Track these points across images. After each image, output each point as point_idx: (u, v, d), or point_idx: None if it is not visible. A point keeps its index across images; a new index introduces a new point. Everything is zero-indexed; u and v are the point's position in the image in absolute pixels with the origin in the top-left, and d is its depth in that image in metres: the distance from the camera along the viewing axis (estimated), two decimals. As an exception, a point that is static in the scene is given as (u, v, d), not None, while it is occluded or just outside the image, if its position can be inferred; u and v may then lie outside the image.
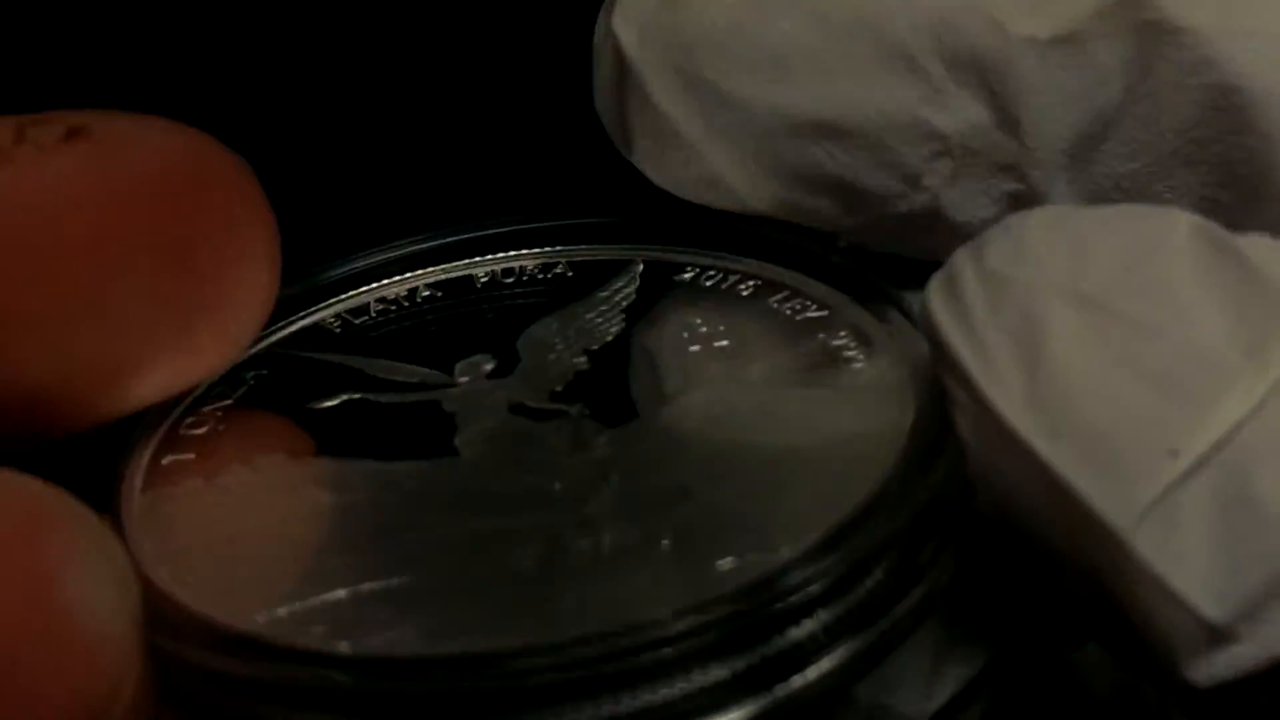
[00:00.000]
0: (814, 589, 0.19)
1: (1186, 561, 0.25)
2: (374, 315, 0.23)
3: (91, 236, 0.22)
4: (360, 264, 0.24)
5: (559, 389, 0.21)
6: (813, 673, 0.19)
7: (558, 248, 0.24)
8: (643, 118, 0.25)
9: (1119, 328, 0.25)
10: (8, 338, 0.21)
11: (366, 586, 0.18)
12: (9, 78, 0.31)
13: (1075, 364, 0.26)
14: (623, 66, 0.25)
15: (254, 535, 0.21)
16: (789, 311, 0.23)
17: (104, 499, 0.21)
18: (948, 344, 0.26)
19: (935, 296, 0.26)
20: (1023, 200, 0.28)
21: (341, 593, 0.18)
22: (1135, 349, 0.25)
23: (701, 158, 0.25)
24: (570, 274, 0.24)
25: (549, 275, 0.24)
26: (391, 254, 0.24)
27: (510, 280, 0.24)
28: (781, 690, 0.18)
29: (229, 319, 0.22)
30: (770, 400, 0.23)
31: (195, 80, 0.32)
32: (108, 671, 0.22)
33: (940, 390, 0.25)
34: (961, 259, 0.26)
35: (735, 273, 0.23)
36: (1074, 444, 0.25)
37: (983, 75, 0.26)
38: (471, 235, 0.24)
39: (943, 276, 0.26)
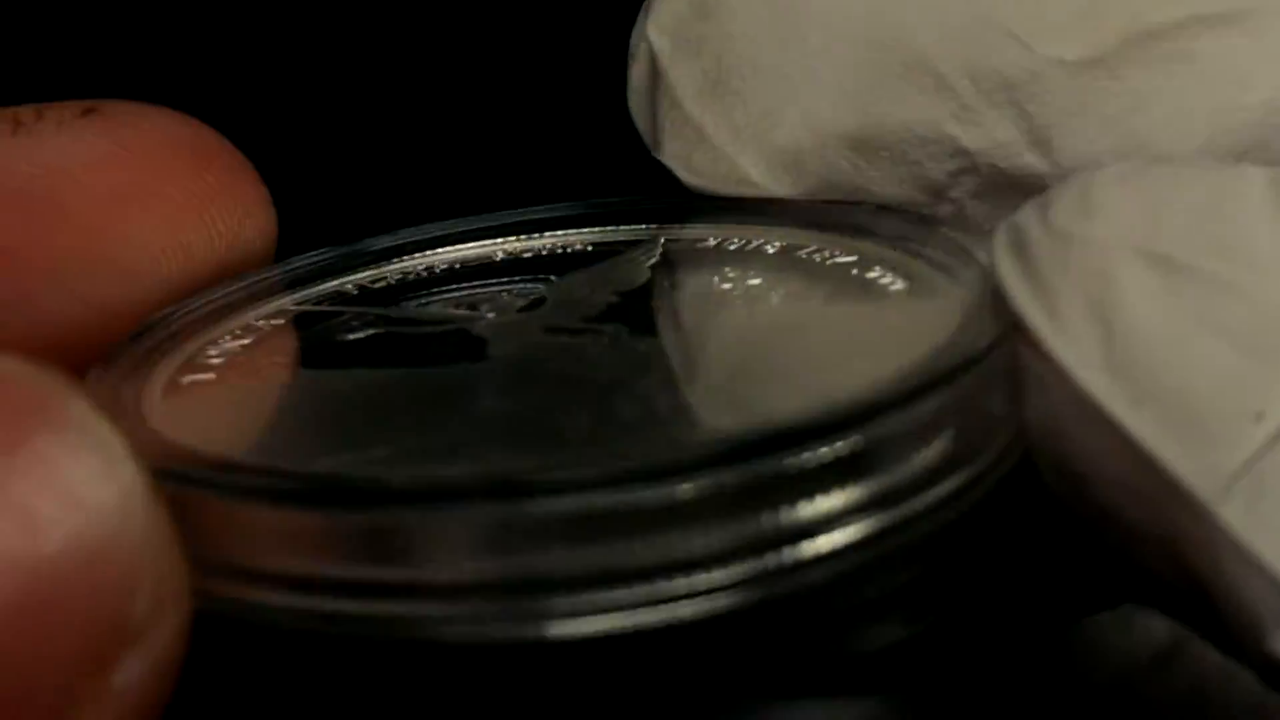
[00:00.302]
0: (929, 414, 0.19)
1: (1273, 530, 0.24)
2: (392, 282, 0.23)
3: (110, 193, 0.24)
4: (375, 245, 0.24)
5: (592, 315, 0.21)
6: (932, 496, 0.19)
7: (579, 230, 0.24)
8: (672, 121, 0.25)
9: (1196, 286, 0.25)
10: (34, 286, 0.23)
11: (411, 442, 0.18)
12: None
13: (1152, 325, 0.25)
14: (655, 71, 0.25)
15: (287, 414, 0.20)
16: (819, 259, 0.23)
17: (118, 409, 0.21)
18: (1016, 303, 0.25)
19: (1002, 254, 0.25)
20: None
21: (384, 450, 0.17)
22: (1214, 309, 0.25)
23: (730, 160, 0.25)
24: (590, 249, 0.24)
25: (568, 251, 0.24)
26: (409, 237, 0.24)
27: (529, 255, 0.24)
28: (907, 509, 0.19)
29: (233, 271, 0.24)
30: (806, 312, 0.23)
31: (207, 76, 0.32)
32: (119, 568, 0.21)
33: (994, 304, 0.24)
34: (1027, 217, 0.25)
35: (760, 239, 0.23)
36: (1154, 409, 0.24)
37: (1012, 94, 0.26)
38: (490, 221, 0.24)
39: (1009, 234, 0.25)
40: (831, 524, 0.17)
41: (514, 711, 0.17)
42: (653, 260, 0.23)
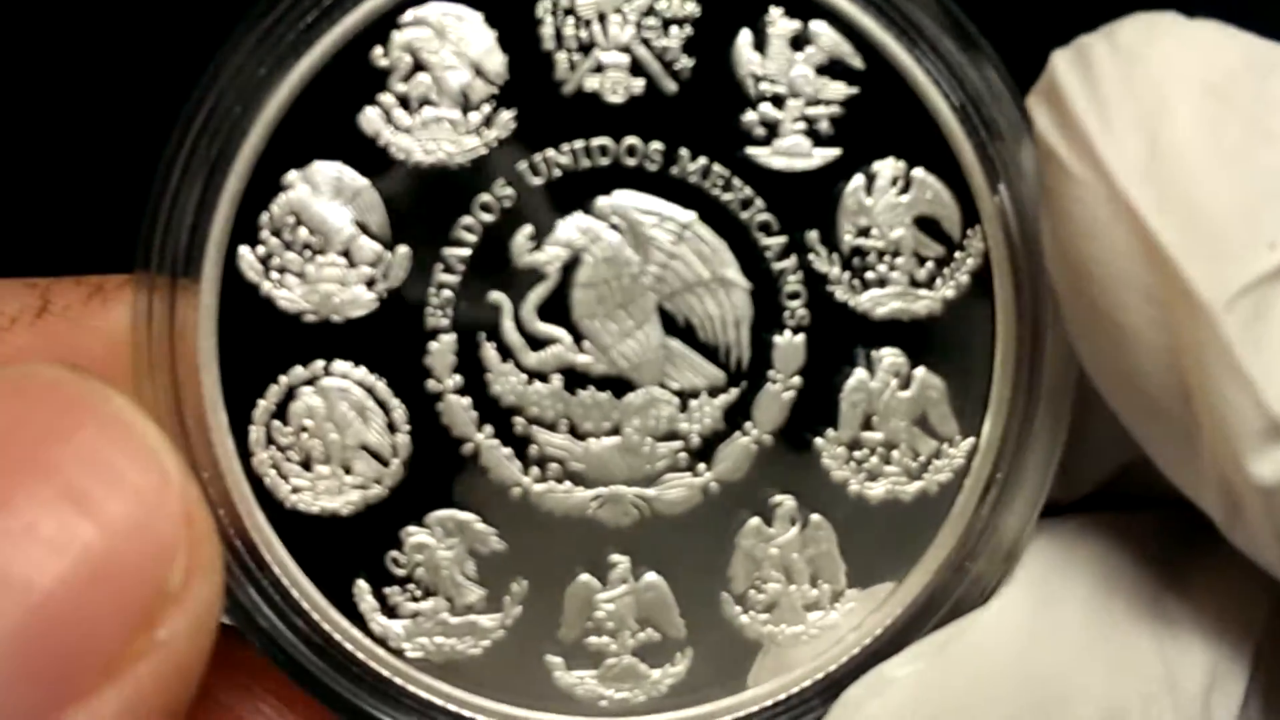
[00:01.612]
0: None
1: (1265, 352, 0.25)
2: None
3: None
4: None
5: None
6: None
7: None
8: None
9: (1240, 124, 0.26)
10: None
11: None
12: None
13: (1194, 146, 0.26)
14: None
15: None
16: None
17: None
18: (1070, 106, 0.26)
19: (1061, 65, 0.26)
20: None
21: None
22: (1252, 147, 0.26)
23: None
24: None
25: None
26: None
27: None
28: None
29: None
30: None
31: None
32: (160, 538, 0.24)
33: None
34: (1093, 36, 0.27)
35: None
36: (1180, 217, 0.26)
37: None
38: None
39: (1071, 50, 0.27)
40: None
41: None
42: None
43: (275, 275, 0.30)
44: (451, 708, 0.31)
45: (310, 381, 0.30)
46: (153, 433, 0.26)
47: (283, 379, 0.30)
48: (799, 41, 0.31)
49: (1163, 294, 0.26)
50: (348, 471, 0.30)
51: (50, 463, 0.25)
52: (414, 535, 0.31)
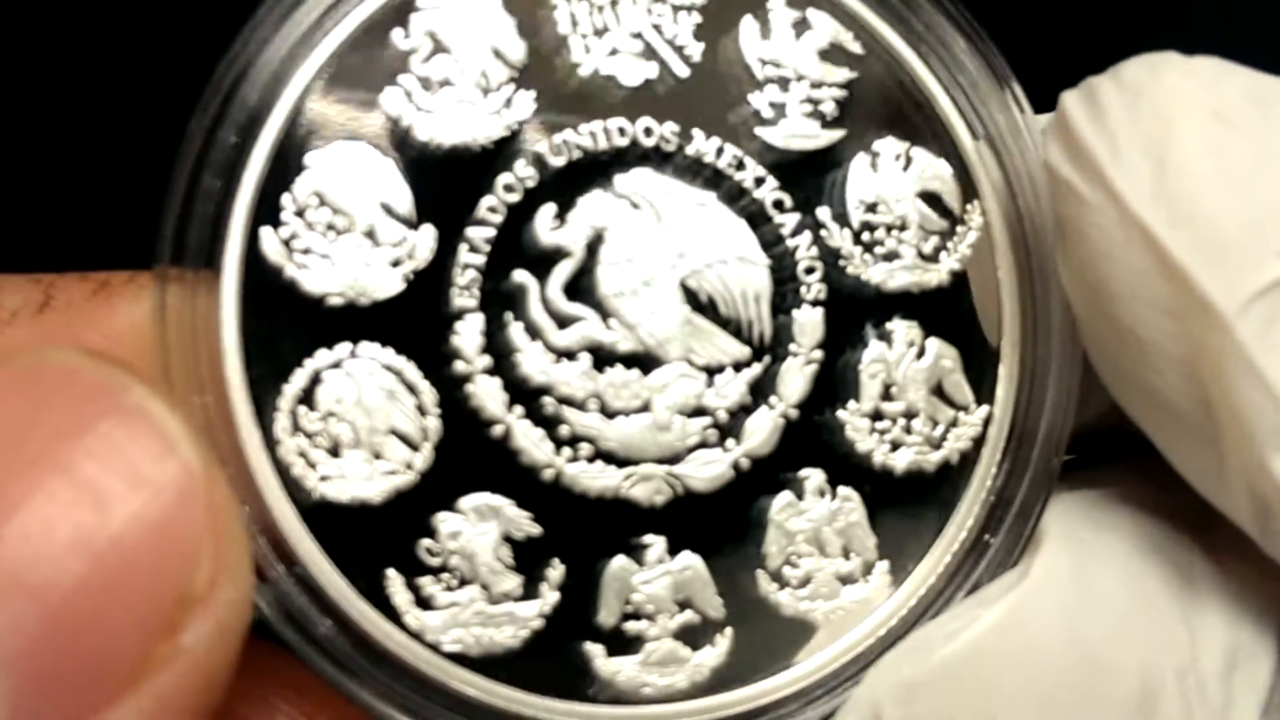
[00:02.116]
0: None
1: None
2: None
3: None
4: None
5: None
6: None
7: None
8: None
9: (1244, 144, 0.28)
10: None
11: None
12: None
13: (1201, 166, 0.28)
14: None
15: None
16: None
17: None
18: (1080, 139, 0.28)
19: (1070, 102, 0.28)
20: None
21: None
22: (1257, 167, 0.28)
23: None
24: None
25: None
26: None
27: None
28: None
29: None
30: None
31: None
32: (182, 539, 0.22)
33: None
34: (1099, 78, 0.29)
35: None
36: (1191, 231, 0.27)
37: None
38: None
39: (1079, 90, 0.28)
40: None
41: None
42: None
43: (299, 257, 0.29)
44: (493, 702, 0.30)
45: (336, 365, 0.30)
46: (175, 424, 0.25)
47: (308, 363, 0.29)
48: (800, 28, 0.32)
49: (1179, 306, 0.27)
50: (377, 457, 0.30)
51: (68, 459, 0.24)
52: (447, 522, 0.30)
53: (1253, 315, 0.26)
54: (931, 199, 0.32)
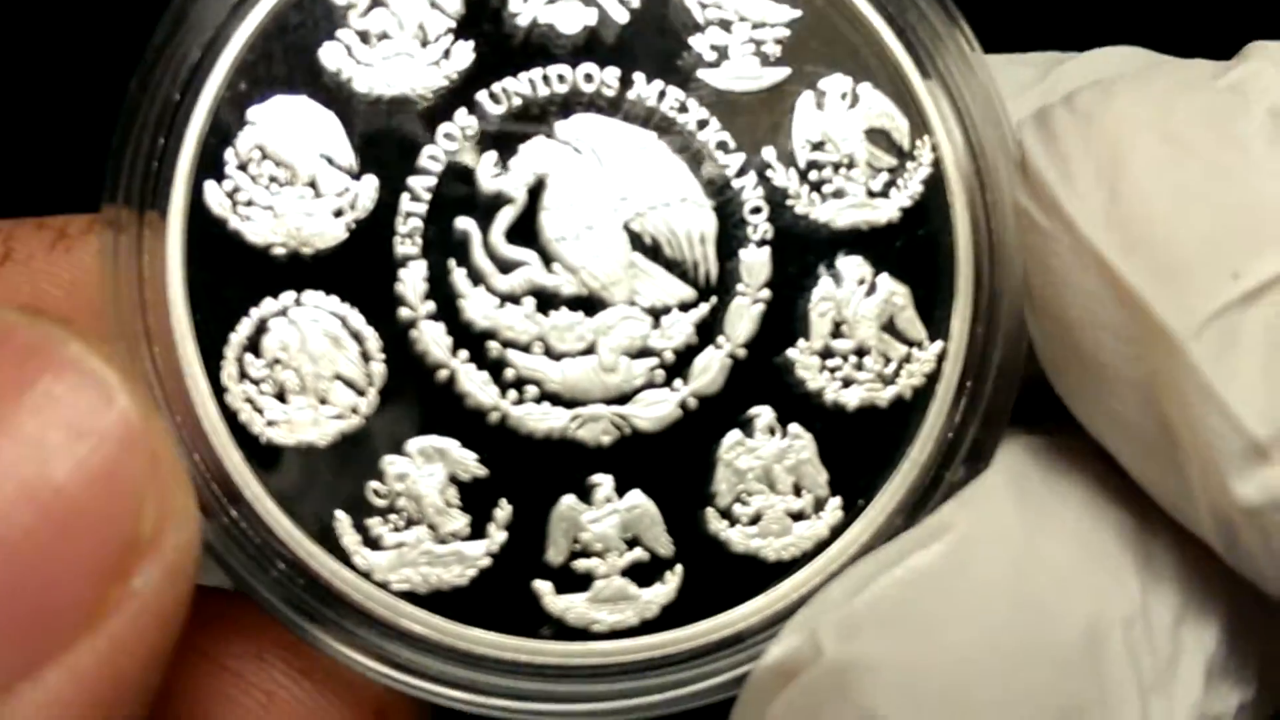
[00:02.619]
0: None
1: (1238, 378, 0.27)
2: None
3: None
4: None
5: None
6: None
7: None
8: None
9: (1198, 165, 0.28)
10: None
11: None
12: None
13: (1153, 190, 0.28)
14: None
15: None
16: None
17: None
18: (1035, 168, 0.28)
19: (1027, 130, 0.28)
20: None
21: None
22: (1211, 187, 0.28)
23: None
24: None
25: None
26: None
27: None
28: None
29: None
30: None
31: None
32: (126, 486, 0.23)
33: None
34: (1053, 104, 0.29)
35: None
36: (1144, 257, 0.27)
37: None
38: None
39: (1036, 117, 0.29)
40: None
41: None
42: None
43: (242, 209, 0.30)
44: (441, 639, 0.30)
45: (282, 313, 0.30)
46: (113, 376, 0.26)
47: (254, 312, 0.30)
48: (740, -32, 0.32)
49: (1135, 332, 0.27)
50: (323, 402, 0.30)
51: (8, 415, 0.25)
52: (393, 464, 0.30)
53: (1208, 339, 0.27)
54: (879, 136, 0.32)
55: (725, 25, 0.32)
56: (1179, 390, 0.27)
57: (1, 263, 0.30)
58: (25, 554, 0.24)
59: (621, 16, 0.31)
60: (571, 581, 0.31)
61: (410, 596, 0.30)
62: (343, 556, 0.30)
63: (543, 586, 0.31)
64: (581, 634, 0.31)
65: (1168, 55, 0.34)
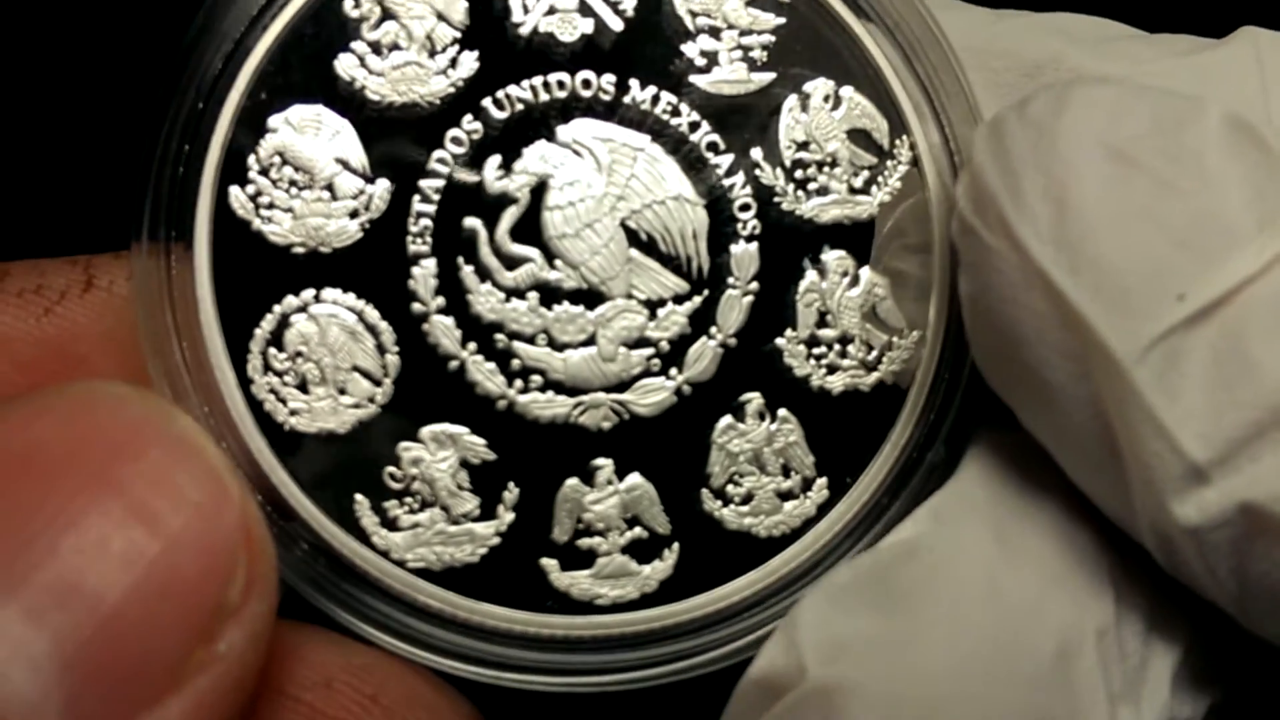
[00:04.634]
0: None
1: (1179, 401, 0.26)
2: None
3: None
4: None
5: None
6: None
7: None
8: None
9: (1145, 182, 0.27)
10: None
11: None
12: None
13: (1102, 210, 0.27)
14: None
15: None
16: None
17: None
18: (984, 181, 0.28)
19: (979, 140, 0.28)
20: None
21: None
22: (1158, 204, 0.27)
23: None
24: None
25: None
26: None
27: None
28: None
29: None
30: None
31: None
32: (220, 555, 0.25)
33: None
34: (1006, 110, 0.28)
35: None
36: (1090, 278, 0.27)
37: None
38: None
39: (990, 124, 0.29)
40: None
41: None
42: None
43: (264, 212, 0.32)
44: (454, 612, 0.32)
45: (302, 309, 0.32)
46: (214, 453, 0.28)
47: (276, 308, 0.32)
48: (729, -22, 0.34)
49: (1080, 351, 0.27)
50: (342, 392, 0.32)
51: (121, 481, 0.26)
52: (409, 450, 0.32)
53: (1151, 362, 0.26)
54: (861, 136, 0.34)
55: (715, 33, 0.34)
56: (1122, 411, 0.27)
57: (86, 290, 0.32)
58: (124, 614, 0.25)
59: (617, 25, 0.33)
60: (576, 559, 0.33)
61: (425, 573, 0.32)
62: (362, 537, 0.32)
63: (549, 564, 0.33)
64: (586, 607, 0.33)
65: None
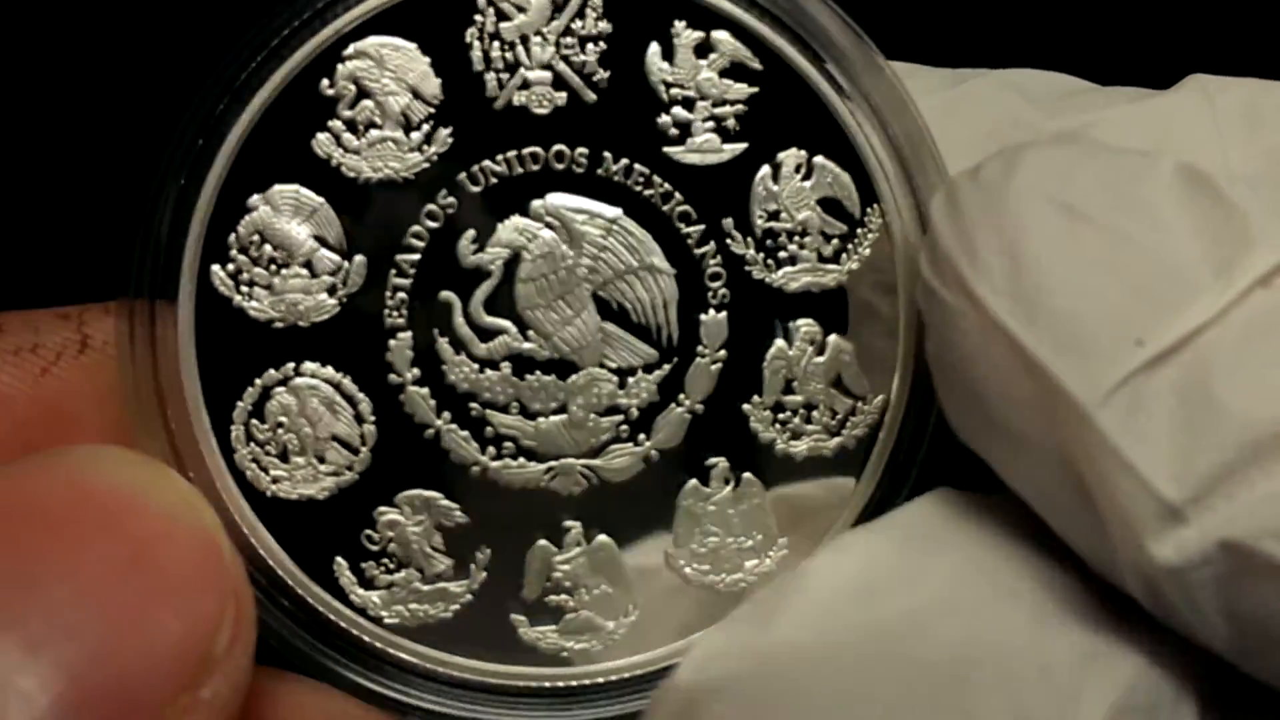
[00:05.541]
0: None
1: (1147, 442, 0.27)
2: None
3: None
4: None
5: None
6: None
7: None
8: None
9: (1099, 234, 0.28)
10: None
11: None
12: None
13: (1055, 261, 0.28)
14: None
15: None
16: None
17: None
18: (941, 243, 0.29)
19: (935, 205, 0.29)
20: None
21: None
22: (1112, 254, 0.28)
23: None
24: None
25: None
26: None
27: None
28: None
29: None
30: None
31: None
32: (208, 610, 0.27)
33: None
34: (960, 175, 0.29)
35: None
36: (1048, 328, 0.27)
37: None
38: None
39: (945, 190, 0.29)
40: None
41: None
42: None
43: (245, 289, 0.33)
44: (428, 666, 0.34)
45: (283, 382, 0.34)
46: (210, 516, 0.30)
47: (258, 381, 0.34)
48: (703, 49, 0.34)
49: (1044, 401, 0.27)
50: (321, 461, 0.34)
51: (121, 535, 0.28)
52: (385, 514, 0.34)
53: (1115, 405, 0.27)
54: (831, 205, 0.35)
55: (688, 103, 0.34)
56: (1090, 456, 0.27)
57: (82, 350, 0.33)
58: (117, 658, 0.27)
59: (590, 97, 0.34)
60: (544, 615, 0.35)
61: (401, 629, 0.34)
62: (341, 595, 0.34)
63: (519, 619, 0.35)
64: (553, 660, 0.35)
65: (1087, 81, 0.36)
